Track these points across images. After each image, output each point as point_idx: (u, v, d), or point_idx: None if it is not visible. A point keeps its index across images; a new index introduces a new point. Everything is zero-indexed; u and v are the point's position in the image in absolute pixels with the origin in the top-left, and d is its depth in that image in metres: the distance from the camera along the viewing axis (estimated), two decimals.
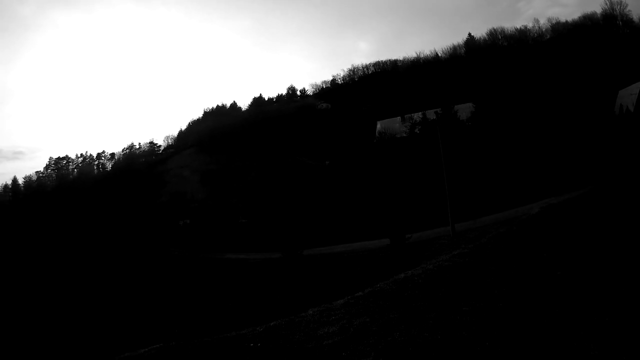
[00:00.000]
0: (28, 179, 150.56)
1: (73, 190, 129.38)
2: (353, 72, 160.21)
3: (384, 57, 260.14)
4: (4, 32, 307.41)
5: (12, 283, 60.49)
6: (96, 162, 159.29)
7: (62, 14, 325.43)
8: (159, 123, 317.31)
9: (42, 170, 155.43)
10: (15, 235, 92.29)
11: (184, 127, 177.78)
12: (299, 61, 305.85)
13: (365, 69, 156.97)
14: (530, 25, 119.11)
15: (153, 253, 74.92)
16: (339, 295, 11.60)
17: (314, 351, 7.57)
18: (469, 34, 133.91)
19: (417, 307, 8.92)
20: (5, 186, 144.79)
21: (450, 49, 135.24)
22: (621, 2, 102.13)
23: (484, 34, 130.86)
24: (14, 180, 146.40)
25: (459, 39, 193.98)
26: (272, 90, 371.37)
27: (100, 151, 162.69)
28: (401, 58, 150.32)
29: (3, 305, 50.78)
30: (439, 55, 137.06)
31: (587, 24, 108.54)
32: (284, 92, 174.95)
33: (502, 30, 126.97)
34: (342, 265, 44.67)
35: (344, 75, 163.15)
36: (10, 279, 62.32)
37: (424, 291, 9.98)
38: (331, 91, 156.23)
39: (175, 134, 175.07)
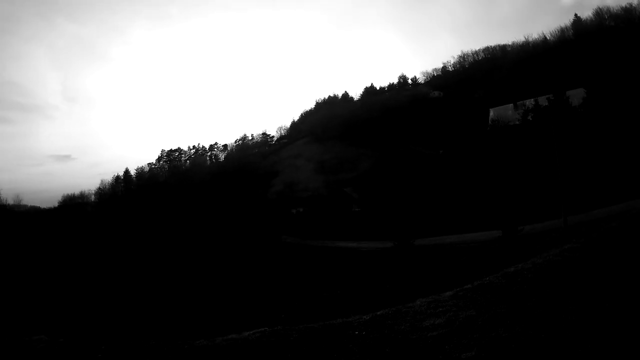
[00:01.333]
0: (140, 170, 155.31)
1: (185, 180, 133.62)
2: (463, 58, 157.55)
3: (492, 42, 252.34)
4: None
5: (128, 269, 63.46)
6: (209, 154, 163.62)
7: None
8: (272, 115, 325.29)
9: (154, 162, 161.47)
10: (128, 225, 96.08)
11: (296, 118, 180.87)
12: (410, 48, 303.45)
13: (475, 55, 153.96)
14: (635, 2, 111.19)
15: (266, 241, 76.32)
16: (447, 287, 11.46)
17: (417, 342, 7.47)
18: (575, 15, 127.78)
19: (524, 303, 8.67)
20: (117, 177, 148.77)
21: (558, 31, 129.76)
22: None
23: (590, 15, 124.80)
24: (126, 171, 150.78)
25: (565, 20, 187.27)
26: (383, 79, 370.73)
27: (212, 143, 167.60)
28: (510, 43, 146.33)
29: (128, 289, 53.50)
30: (547, 38, 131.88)
31: None
32: (395, 80, 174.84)
33: (608, 10, 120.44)
34: (452, 256, 43.91)
35: (454, 62, 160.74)
36: (126, 266, 65.35)
37: (532, 286, 9.68)
38: (442, 79, 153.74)
39: (288, 125, 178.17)
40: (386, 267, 44.94)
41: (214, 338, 8.81)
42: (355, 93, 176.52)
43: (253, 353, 7.79)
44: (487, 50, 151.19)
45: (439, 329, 7.96)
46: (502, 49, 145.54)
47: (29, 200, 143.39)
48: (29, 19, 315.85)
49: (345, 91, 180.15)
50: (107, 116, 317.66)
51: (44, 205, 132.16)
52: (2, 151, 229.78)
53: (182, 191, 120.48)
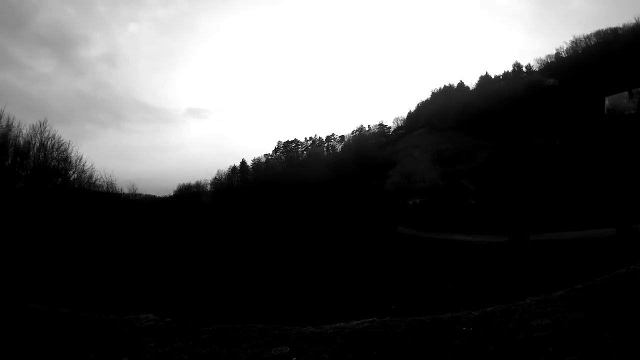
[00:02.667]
0: (256, 161, 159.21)
1: (301, 171, 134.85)
2: (575, 43, 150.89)
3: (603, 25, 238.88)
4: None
5: (243, 258, 65.29)
6: (325, 145, 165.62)
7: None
8: (388, 105, 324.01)
9: (270, 153, 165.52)
10: (244, 215, 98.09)
11: (412, 109, 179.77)
12: (524, 33, 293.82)
13: (587, 40, 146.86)
14: None
15: (381, 231, 76.52)
16: (558, 286, 11.24)
17: (522, 342, 7.35)
18: None
19: (634, 307, 8.17)
20: (233, 167, 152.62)
21: None
22: None
23: None
24: (242, 162, 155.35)
25: None
26: (498, 67, 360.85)
27: (329, 134, 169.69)
28: (621, 25, 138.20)
29: (241, 276, 55.29)
30: None
31: None
32: (509, 68, 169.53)
33: None
34: (565, 253, 42.49)
35: (567, 48, 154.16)
36: (240, 255, 67.16)
37: None
38: (556, 65, 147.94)
39: (405, 115, 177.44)
40: (499, 262, 44.19)
41: (321, 325, 9.08)
42: (471, 82, 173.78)
43: (359, 342, 7.94)
44: (598, 34, 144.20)
45: (546, 329, 7.80)
46: (614, 32, 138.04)
47: (144, 189, 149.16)
48: None
49: (461, 80, 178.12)
50: (226, 108, 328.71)
51: (159, 194, 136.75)
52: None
53: (298, 182, 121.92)
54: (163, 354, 7.86)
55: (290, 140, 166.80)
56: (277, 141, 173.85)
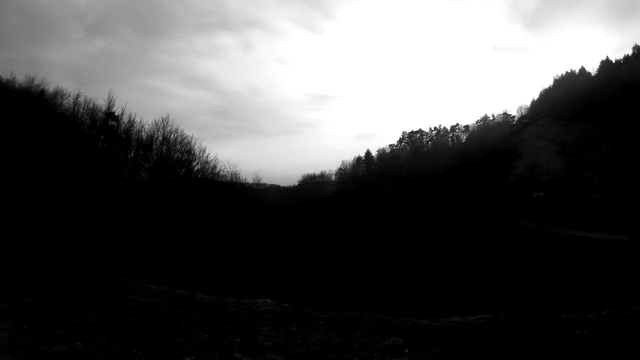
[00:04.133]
0: (381, 152, 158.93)
1: (426, 162, 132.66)
2: None
3: None
4: None
5: (363, 249, 65.81)
6: (450, 135, 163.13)
7: None
8: (512, 93, 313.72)
9: (395, 143, 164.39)
10: (368, 205, 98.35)
11: (536, 97, 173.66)
12: None
13: None
14: None
15: (502, 225, 75.11)
16: None
17: (632, 351, 7.04)
18: None
19: None
20: (358, 158, 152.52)
21: None
22: None
23: None
24: (367, 152, 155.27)
25: None
26: (619, 51, 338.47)
27: (454, 124, 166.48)
28: None
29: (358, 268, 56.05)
30: None
31: None
32: (630, 52, 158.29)
33: None
34: None
35: None
36: (360, 246, 67.70)
37: None
38: None
39: (528, 103, 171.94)
40: (618, 262, 42.51)
41: (437, 319, 9.16)
42: (592, 67, 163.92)
43: (472, 338, 7.92)
44: None
45: None
46: None
47: (268, 179, 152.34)
48: None
49: (582, 66, 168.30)
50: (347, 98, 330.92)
51: (283, 183, 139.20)
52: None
53: (422, 173, 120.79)
54: (277, 337, 8.24)
55: (414, 130, 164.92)
56: (402, 131, 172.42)
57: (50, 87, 73.83)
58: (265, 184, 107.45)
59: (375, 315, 9.50)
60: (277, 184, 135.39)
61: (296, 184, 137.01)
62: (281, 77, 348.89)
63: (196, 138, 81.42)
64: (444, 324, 8.79)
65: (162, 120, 73.93)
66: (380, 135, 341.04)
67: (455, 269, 50.53)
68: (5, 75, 73.55)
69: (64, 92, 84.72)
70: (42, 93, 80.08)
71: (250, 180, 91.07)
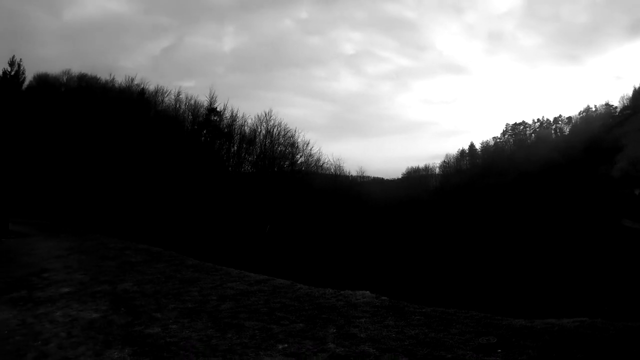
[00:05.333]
0: (485, 145, 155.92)
1: (530, 155, 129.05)
2: None
3: None
4: None
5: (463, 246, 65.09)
6: (553, 127, 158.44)
7: None
8: (614, 82, 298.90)
9: (499, 135, 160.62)
10: (472, 200, 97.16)
11: (637, 85, 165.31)
12: None
13: None
14: None
15: (599, 223, 72.37)
16: None
17: None
18: None
19: None
20: (462, 151, 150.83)
21: None
22: None
23: None
24: (471, 145, 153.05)
25: None
26: None
27: (557, 115, 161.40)
28: None
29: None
30: None
31: None
32: None
33: None
34: None
35: None
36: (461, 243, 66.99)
37: None
38: None
39: (630, 93, 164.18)
40: None
41: (533, 319, 8.98)
42: None
43: (565, 342, 7.67)
44: None
45: None
46: None
47: (372, 172, 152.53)
48: None
49: None
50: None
51: (386, 176, 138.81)
52: None
53: (525, 166, 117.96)
54: (372, 330, 8.29)
55: (517, 122, 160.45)
56: (505, 123, 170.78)
57: (151, 86, 77.73)
58: (368, 176, 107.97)
59: (471, 313, 9.45)
60: (381, 176, 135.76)
61: (399, 176, 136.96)
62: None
63: (299, 131, 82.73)
64: (539, 325, 8.62)
65: (265, 114, 76.16)
66: (483, 127, 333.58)
67: (554, 269, 49.50)
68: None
69: (164, 89, 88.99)
70: (142, 92, 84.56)
71: (354, 173, 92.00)
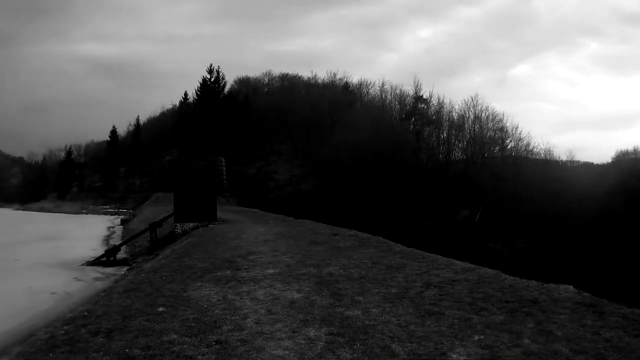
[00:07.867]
0: None
1: None
2: None
3: None
4: None
5: None
6: None
7: None
8: None
9: None
10: None
11: None
12: None
13: None
14: None
15: None
16: None
17: None
18: None
19: None
20: None
21: None
22: None
23: None
24: None
25: None
26: None
27: None
28: None
29: None
30: None
31: None
32: None
33: None
34: None
35: None
36: None
37: None
38: None
39: None
40: None
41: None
42: None
43: None
44: None
45: None
46: None
47: (582, 157, 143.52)
48: None
49: None
50: None
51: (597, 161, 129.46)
52: None
53: None
54: (569, 328, 7.99)
55: None
56: None
57: (354, 79, 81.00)
58: (578, 161, 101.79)
59: None
60: (591, 161, 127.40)
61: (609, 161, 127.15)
62: None
63: (508, 115, 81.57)
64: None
65: (472, 99, 75.70)
66: None
67: None
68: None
69: (368, 82, 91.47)
70: (346, 84, 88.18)
71: (564, 158, 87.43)
